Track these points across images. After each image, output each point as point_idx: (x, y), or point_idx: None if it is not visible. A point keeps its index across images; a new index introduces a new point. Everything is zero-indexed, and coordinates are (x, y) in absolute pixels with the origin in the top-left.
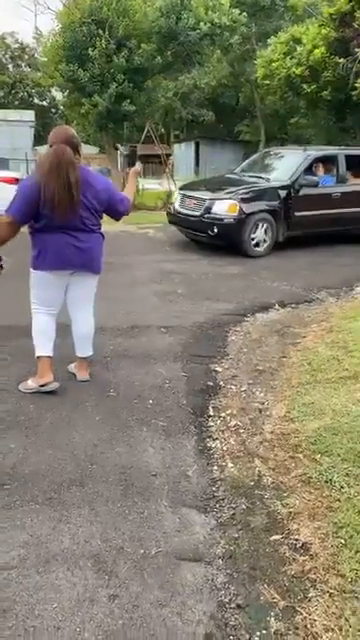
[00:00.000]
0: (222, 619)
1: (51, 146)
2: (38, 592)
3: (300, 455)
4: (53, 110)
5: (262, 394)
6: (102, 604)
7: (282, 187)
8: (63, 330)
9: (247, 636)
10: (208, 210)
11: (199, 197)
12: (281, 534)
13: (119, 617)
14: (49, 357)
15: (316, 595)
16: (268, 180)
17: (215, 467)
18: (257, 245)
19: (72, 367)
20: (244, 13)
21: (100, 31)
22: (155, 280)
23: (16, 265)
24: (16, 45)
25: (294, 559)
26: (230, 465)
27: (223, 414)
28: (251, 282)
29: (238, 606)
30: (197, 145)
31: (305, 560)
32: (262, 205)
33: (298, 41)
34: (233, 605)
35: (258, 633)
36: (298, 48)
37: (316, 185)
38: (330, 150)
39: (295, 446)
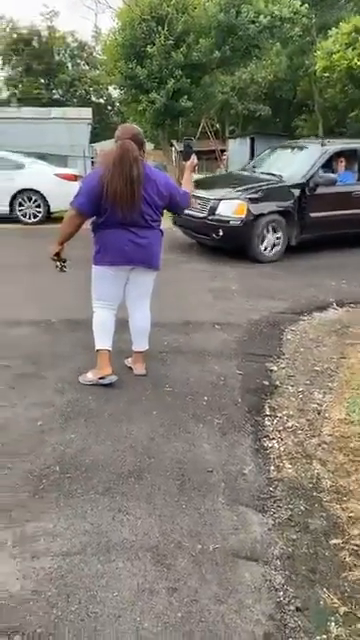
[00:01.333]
0: (281, 620)
1: (117, 142)
2: (99, 580)
3: None
4: (109, 107)
5: (320, 395)
6: (161, 596)
7: (296, 185)
8: (121, 325)
9: (307, 639)
10: (213, 211)
11: (204, 197)
12: (341, 538)
13: (178, 610)
14: (108, 351)
15: None
16: (280, 178)
17: (272, 467)
18: (267, 249)
19: (129, 361)
20: (305, 4)
21: (159, 28)
22: (209, 277)
23: (75, 261)
24: (75, 44)
25: (355, 565)
26: (288, 466)
27: (280, 414)
28: (308, 280)
29: (297, 609)
30: (252, 140)
31: None
32: (273, 206)
33: None
34: (292, 607)
35: (318, 637)
36: None
37: (334, 183)
38: (351, 144)
39: (355, 449)
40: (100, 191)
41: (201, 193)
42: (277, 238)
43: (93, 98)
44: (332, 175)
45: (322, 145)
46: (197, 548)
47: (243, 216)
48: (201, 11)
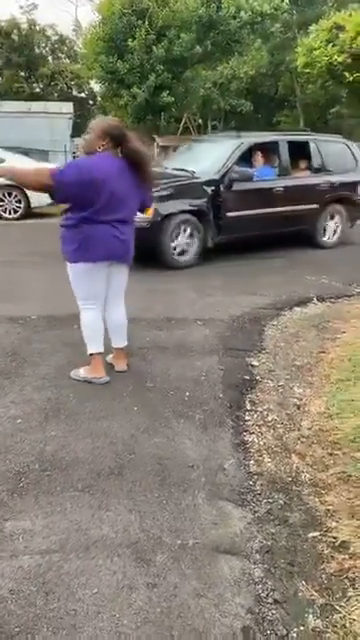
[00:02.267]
0: (260, 613)
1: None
2: (79, 577)
3: (339, 452)
4: (91, 102)
5: (300, 389)
6: (141, 592)
7: (209, 182)
8: None
9: (285, 631)
10: None
11: None
12: (319, 531)
13: (157, 605)
14: (100, 353)
15: (355, 594)
16: (193, 174)
17: (252, 461)
18: (181, 254)
19: (110, 358)
20: (286, 0)
21: (140, 22)
22: (191, 272)
23: (53, 255)
24: (56, 37)
25: (332, 557)
26: (267, 460)
27: (260, 408)
28: (290, 276)
29: (275, 601)
30: None
31: (344, 558)
32: (184, 205)
33: (341, 28)
34: (270, 600)
35: (296, 629)
36: (341, 35)
37: (251, 179)
38: (269, 136)
39: (334, 443)
40: (94, 187)
41: None
42: (191, 240)
43: (74, 92)
44: (248, 170)
45: (237, 138)
46: (177, 543)
47: (150, 217)
48: (182, 5)
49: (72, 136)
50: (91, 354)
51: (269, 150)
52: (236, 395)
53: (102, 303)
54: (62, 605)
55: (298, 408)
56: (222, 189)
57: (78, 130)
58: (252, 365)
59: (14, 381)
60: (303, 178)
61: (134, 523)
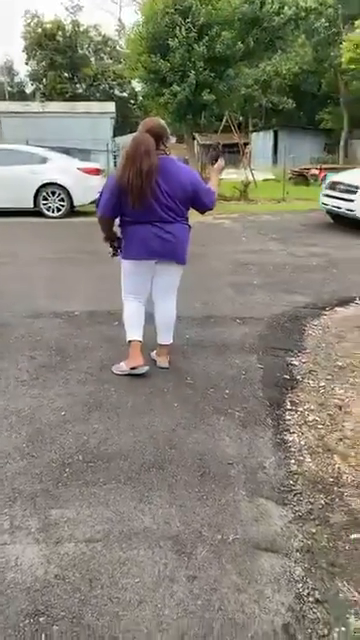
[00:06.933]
0: (300, 611)
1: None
2: (122, 566)
3: None
4: (132, 101)
5: (342, 390)
6: (182, 584)
7: None
8: (146, 319)
9: (325, 631)
10: None
11: None
12: None
13: (198, 598)
14: (139, 341)
15: None
16: None
17: (292, 461)
18: None
19: (154, 354)
20: None
21: (182, 20)
22: (231, 271)
23: (95, 253)
24: (99, 38)
25: None
26: (308, 460)
27: (301, 408)
28: (331, 275)
29: (316, 600)
30: (276, 134)
31: None
32: None
33: None
34: (311, 599)
35: (337, 629)
36: None
37: None
38: None
39: None
40: (117, 189)
41: None
42: None
43: (116, 92)
44: None
45: None
46: (217, 538)
47: None
48: (225, 3)
49: (114, 135)
50: (129, 342)
51: None
52: (276, 394)
53: (145, 298)
54: (105, 592)
55: (340, 409)
56: None
57: (120, 130)
58: (292, 365)
59: (58, 374)
60: None
61: (175, 516)
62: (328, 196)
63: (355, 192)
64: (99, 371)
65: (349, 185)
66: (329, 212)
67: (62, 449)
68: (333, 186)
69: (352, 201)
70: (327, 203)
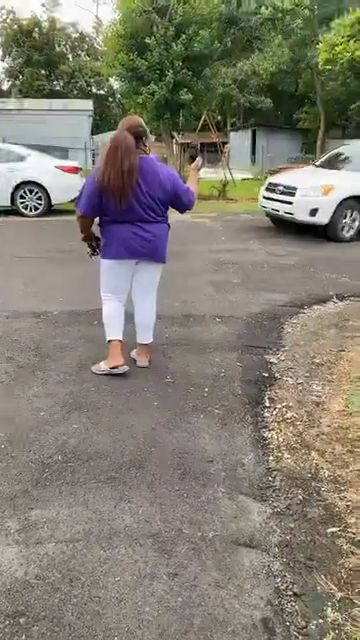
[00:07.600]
0: (279, 605)
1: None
2: (102, 565)
3: (359, 450)
4: (110, 99)
5: (319, 387)
6: (162, 581)
7: None
8: (126, 318)
9: (304, 623)
10: None
11: None
12: (338, 527)
13: (178, 595)
14: (119, 341)
15: None
16: None
17: (271, 457)
18: None
19: (134, 353)
20: None
21: (159, 18)
22: (210, 270)
23: (74, 252)
24: (76, 35)
25: (352, 552)
26: (286, 456)
27: (279, 405)
28: (308, 273)
29: (295, 594)
30: (254, 133)
31: None
32: None
33: None
34: (289, 593)
35: (315, 622)
36: None
37: None
38: None
39: (354, 440)
40: (97, 188)
41: None
42: None
43: (94, 90)
44: None
45: None
46: (197, 535)
47: None
48: (202, 2)
49: (92, 133)
50: (109, 341)
51: None
52: (255, 392)
53: (124, 297)
54: (86, 592)
55: (317, 405)
56: None
57: (98, 127)
58: (271, 362)
59: (37, 375)
60: None
61: (155, 515)
62: (267, 198)
63: (294, 194)
64: (79, 371)
65: (287, 187)
66: (268, 215)
67: (41, 449)
68: (272, 188)
69: (290, 203)
70: (266, 206)
